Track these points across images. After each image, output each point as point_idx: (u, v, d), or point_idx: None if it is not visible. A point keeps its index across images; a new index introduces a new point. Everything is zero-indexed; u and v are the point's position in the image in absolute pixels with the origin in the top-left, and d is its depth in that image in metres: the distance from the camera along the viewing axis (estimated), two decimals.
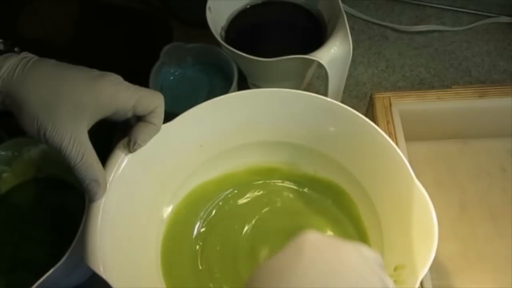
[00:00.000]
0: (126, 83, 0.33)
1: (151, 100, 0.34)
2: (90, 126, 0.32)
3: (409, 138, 0.45)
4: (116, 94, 0.32)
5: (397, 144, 0.43)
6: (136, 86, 0.34)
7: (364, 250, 0.26)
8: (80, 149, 0.31)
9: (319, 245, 0.26)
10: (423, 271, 0.30)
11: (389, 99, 0.46)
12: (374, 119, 0.45)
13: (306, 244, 0.25)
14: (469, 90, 0.47)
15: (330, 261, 0.25)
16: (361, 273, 0.25)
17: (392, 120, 0.45)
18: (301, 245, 0.25)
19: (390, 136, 0.43)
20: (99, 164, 0.33)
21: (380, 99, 0.47)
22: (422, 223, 0.32)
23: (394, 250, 0.36)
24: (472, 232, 0.46)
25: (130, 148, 0.35)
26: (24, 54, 0.32)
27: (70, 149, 0.31)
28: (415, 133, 0.48)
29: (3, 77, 0.31)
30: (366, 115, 0.37)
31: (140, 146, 0.35)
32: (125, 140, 0.36)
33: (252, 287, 0.25)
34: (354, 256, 0.26)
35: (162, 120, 0.36)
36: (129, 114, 0.34)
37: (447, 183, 0.49)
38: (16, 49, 0.34)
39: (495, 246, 0.45)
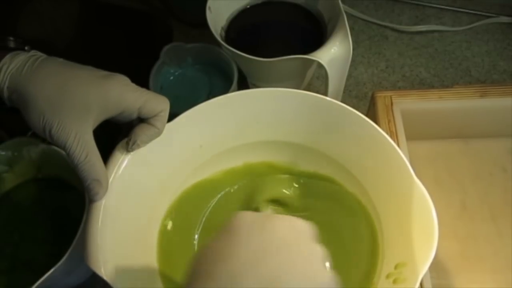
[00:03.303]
0: (133, 84, 0.34)
1: (157, 104, 0.34)
2: (95, 125, 0.32)
3: (410, 137, 0.45)
4: (123, 94, 0.32)
5: (398, 143, 0.43)
6: (144, 89, 0.34)
7: (296, 222, 0.27)
8: (84, 148, 0.31)
9: (253, 222, 0.27)
10: (424, 268, 0.30)
11: (391, 98, 0.46)
12: (375, 118, 0.45)
13: (239, 225, 0.26)
14: (471, 90, 0.47)
15: (264, 236, 0.26)
16: (293, 245, 0.26)
17: (394, 119, 0.45)
18: (234, 227, 0.26)
19: (391, 135, 0.43)
20: (102, 164, 0.33)
21: (382, 98, 0.47)
22: (422, 221, 0.32)
23: (395, 248, 0.36)
24: (472, 232, 0.46)
25: (129, 147, 0.35)
26: (33, 52, 0.33)
27: (75, 147, 0.31)
28: (416, 133, 0.48)
29: (11, 73, 0.31)
30: (367, 114, 0.37)
31: (139, 146, 0.35)
32: (125, 140, 0.36)
33: (194, 270, 0.26)
34: (287, 229, 0.27)
35: (164, 125, 0.36)
36: (134, 116, 0.34)
37: (448, 183, 0.49)
38: (26, 47, 0.34)
39: (495, 246, 0.45)
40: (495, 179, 0.49)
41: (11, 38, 0.34)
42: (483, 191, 0.48)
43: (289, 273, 0.24)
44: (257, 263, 0.24)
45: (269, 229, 0.26)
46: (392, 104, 0.46)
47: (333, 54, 0.44)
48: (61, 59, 0.33)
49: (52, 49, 0.35)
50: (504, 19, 0.63)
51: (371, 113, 0.48)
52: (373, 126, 0.36)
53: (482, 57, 0.60)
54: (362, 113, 0.37)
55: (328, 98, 0.38)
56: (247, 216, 0.27)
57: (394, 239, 0.37)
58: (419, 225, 0.33)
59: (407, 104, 0.46)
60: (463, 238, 0.46)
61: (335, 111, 0.38)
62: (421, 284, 0.37)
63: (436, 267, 0.44)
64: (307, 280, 0.24)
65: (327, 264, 0.26)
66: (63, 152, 0.31)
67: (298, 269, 0.25)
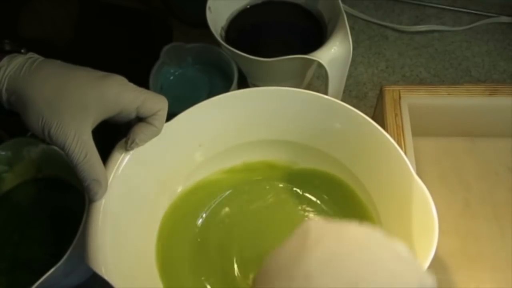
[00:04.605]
0: (131, 84, 0.34)
1: (155, 103, 0.34)
2: (94, 125, 0.33)
3: (416, 133, 0.44)
4: (121, 94, 0.32)
5: (404, 137, 0.43)
6: (142, 88, 0.34)
7: (367, 227, 0.26)
8: (83, 148, 0.31)
9: (323, 228, 0.26)
10: (425, 264, 0.30)
11: (399, 92, 0.46)
12: (382, 112, 0.45)
13: (310, 229, 0.26)
14: (480, 88, 0.47)
15: (340, 238, 0.25)
16: (369, 247, 0.25)
17: (401, 113, 0.45)
18: (306, 231, 0.26)
19: (397, 129, 0.43)
20: (101, 164, 0.33)
21: (390, 92, 0.46)
22: (423, 217, 0.32)
23: None
24: (474, 230, 0.46)
25: (128, 146, 0.35)
26: (31, 54, 0.33)
27: (74, 148, 0.31)
28: (423, 129, 0.48)
29: (9, 75, 0.31)
30: (375, 108, 0.36)
31: (137, 145, 0.35)
32: (124, 139, 0.36)
33: (265, 271, 0.26)
34: (360, 232, 0.26)
35: (163, 124, 0.36)
36: (133, 115, 0.34)
37: (452, 180, 0.49)
38: (22, 50, 0.34)
39: (496, 245, 0.45)
40: (500, 178, 0.49)
41: (7, 41, 0.34)
42: (487, 190, 0.48)
43: (374, 273, 0.24)
44: (335, 262, 0.24)
45: (342, 231, 0.26)
46: (400, 98, 0.46)
47: (333, 54, 0.44)
48: (58, 61, 0.33)
49: (51, 49, 0.35)
50: (504, 19, 0.63)
51: (379, 107, 0.47)
52: (373, 124, 0.36)
53: (482, 57, 0.60)
54: (363, 112, 0.37)
55: (326, 97, 0.38)
56: (318, 221, 0.27)
57: (394, 235, 0.37)
58: (419, 221, 0.33)
59: (415, 99, 0.46)
60: (464, 235, 0.46)
61: (334, 110, 0.38)
62: None
63: (435, 262, 0.43)
64: (395, 279, 0.24)
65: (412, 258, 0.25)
66: (63, 152, 0.31)
67: (384, 269, 0.24)
